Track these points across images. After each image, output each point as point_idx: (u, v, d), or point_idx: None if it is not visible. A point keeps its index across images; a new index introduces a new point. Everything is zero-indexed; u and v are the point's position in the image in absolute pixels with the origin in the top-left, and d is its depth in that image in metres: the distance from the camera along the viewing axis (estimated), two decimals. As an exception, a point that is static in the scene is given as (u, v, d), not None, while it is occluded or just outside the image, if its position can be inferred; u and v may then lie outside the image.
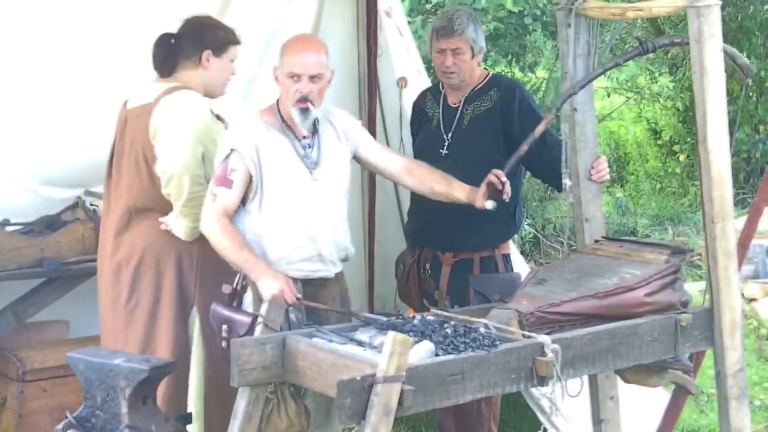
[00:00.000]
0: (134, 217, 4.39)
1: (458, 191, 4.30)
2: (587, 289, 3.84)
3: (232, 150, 4.05)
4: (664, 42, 4.13)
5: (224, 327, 3.91)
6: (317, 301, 4.09)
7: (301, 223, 4.10)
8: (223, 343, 3.89)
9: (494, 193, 4.20)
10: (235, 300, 4.03)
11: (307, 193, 4.12)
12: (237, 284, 4.02)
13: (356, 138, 4.34)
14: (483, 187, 4.22)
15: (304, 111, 4.09)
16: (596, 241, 4.31)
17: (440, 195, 4.36)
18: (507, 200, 4.21)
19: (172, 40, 4.42)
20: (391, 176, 4.50)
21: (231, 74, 4.51)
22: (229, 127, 4.30)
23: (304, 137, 4.16)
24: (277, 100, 4.20)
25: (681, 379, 4.08)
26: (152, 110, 4.30)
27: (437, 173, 4.38)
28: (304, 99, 4.07)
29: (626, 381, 4.14)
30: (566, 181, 4.34)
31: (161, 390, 3.98)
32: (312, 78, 4.07)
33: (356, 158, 4.38)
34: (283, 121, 4.15)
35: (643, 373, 4.02)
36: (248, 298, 4.05)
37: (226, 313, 3.94)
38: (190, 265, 4.37)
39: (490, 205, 4.19)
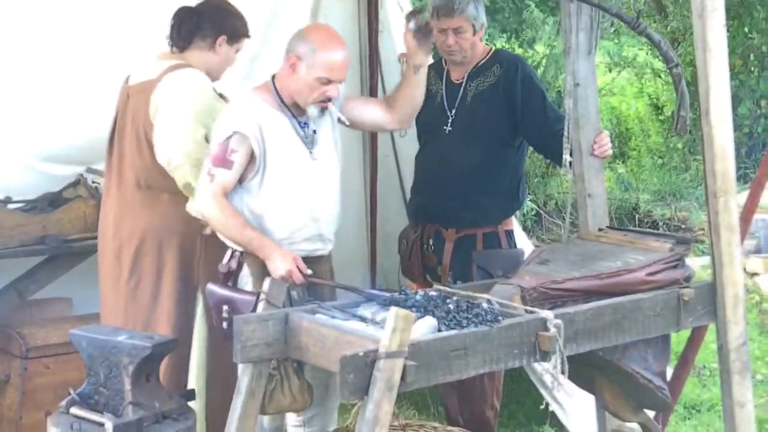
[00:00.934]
0: (136, 194, 4.37)
1: (409, 69, 4.24)
2: (590, 270, 3.83)
3: (234, 131, 3.99)
4: (653, 37, 4.13)
5: (224, 307, 3.88)
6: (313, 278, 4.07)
7: (303, 203, 4.08)
8: (224, 324, 3.86)
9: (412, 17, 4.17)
10: (230, 279, 4.02)
11: (308, 172, 4.09)
12: (230, 262, 4.02)
13: (338, 103, 4.24)
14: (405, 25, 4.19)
15: (323, 109, 4.09)
16: (600, 230, 4.31)
17: (415, 87, 4.25)
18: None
19: (195, 16, 4.41)
20: (380, 125, 4.42)
21: (231, 64, 4.52)
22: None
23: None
24: (272, 77, 4.15)
25: (650, 423, 4.11)
26: (154, 87, 4.29)
27: (399, 86, 4.32)
28: (328, 100, 4.07)
29: (604, 406, 4.15)
30: (566, 157, 4.33)
31: (161, 368, 3.98)
32: (340, 82, 4.07)
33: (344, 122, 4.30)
34: (282, 101, 4.11)
35: (621, 401, 4.02)
36: (244, 277, 4.04)
37: (226, 293, 3.91)
38: (192, 243, 4.36)
39: (412, 24, 4.14)
